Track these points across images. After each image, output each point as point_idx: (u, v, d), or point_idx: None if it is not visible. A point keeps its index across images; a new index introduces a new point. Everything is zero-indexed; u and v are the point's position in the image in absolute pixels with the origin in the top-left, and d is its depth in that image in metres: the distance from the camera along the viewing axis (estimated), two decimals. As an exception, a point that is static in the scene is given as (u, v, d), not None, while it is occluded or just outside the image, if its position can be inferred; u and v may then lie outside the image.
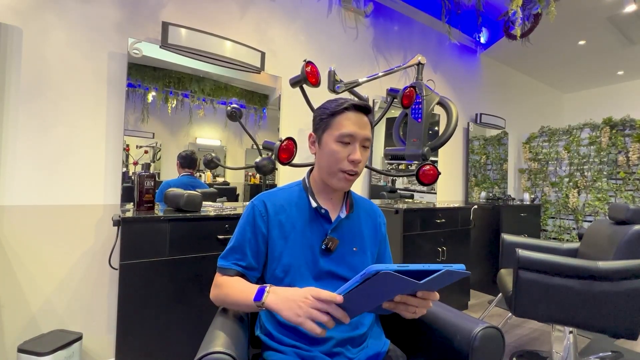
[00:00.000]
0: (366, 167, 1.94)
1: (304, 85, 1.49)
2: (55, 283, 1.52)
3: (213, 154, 1.93)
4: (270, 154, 1.44)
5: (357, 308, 0.64)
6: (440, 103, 1.76)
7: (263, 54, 2.03)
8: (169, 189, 1.53)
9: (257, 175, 2.09)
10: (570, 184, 3.62)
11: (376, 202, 2.48)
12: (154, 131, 1.74)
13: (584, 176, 3.52)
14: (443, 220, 2.37)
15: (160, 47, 1.72)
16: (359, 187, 2.61)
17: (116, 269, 1.31)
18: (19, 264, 1.45)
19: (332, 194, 0.89)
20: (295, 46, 2.29)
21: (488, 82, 3.76)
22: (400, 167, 2.79)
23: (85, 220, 1.59)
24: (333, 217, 0.87)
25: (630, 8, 2.74)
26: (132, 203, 1.62)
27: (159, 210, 1.50)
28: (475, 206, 2.75)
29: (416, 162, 1.90)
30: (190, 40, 1.77)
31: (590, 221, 3.42)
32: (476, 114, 3.55)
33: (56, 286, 1.52)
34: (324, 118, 0.83)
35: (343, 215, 0.87)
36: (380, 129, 2.69)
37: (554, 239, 3.72)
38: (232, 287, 0.78)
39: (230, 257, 0.83)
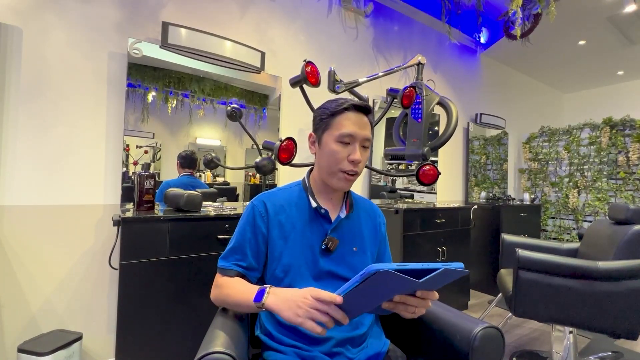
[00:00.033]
0: (366, 167, 1.94)
1: (304, 85, 1.49)
2: (55, 283, 1.52)
3: (213, 154, 1.93)
4: (270, 154, 1.44)
5: (356, 308, 0.64)
6: (440, 103, 1.76)
7: (263, 54, 2.03)
8: (169, 189, 1.53)
9: (257, 175, 2.09)
10: (570, 184, 3.62)
11: (376, 202, 2.48)
12: (154, 131, 1.75)
13: (584, 176, 3.52)
14: (443, 220, 2.37)
15: (160, 47, 1.72)
16: (359, 187, 2.61)
17: (116, 269, 1.31)
18: (19, 264, 1.45)
19: (332, 194, 0.89)
20: (295, 46, 2.29)
21: (488, 82, 3.76)
22: (400, 167, 2.79)
23: (85, 220, 1.59)
24: (333, 217, 0.87)
25: (630, 8, 2.74)
26: (132, 203, 1.62)
27: (159, 210, 1.50)
28: (475, 206, 2.75)
29: (416, 162, 1.90)
30: (190, 40, 1.77)
31: (590, 221, 3.42)
32: (476, 114, 3.55)
33: (56, 286, 1.52)
34: (324, 118, 0.83)
35: (343, 215, 0.87)
36: (380, 129, 2.69)
37: (554, 239, 3.72)
38: (232, 288, 0.78)
39: (231, 257, 0.83)
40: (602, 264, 1.37)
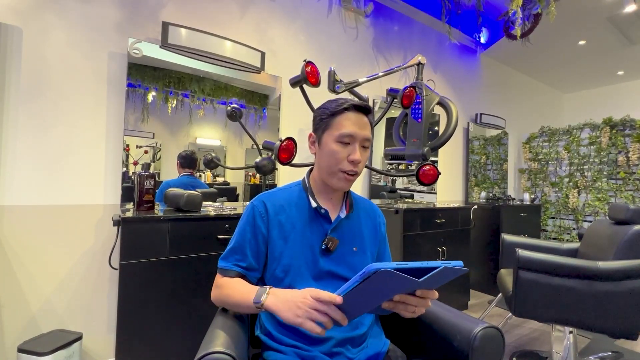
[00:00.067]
0: (366, 167, 1.94)
1: (304, 85, 1.49)
2: (55, 283, 1.52)
3: (213, 154, 1.93)
4: (270, 154, 1.44)
5: (356, 309, 0.64)
6: (440, 103, 1.76)
7: (263, 54, 2.03)
8: (169, 189, 1.53)
9: (257, 175, 2.09)
10: (570, 184, 3.62)
11: (376, 202, 2.48)
12: (154, 131, 1.75)
13: (584, 176, 3.52)
14: (443, 220, 2.37)
15: (160, 47, 1.72)
16: (359, 187, 2.61)
17: (116, 269, 1.31)
18: (19, 264, 1.45)
19: (332, 194, 0.89)
20: (295, 46, 2.29)
21: (488, 82, 3.76)
22: (400, 167, 2.79)
23: (85, 220, 1.59)
24: (333, 217, 0.87)
25: (630, 8, 2.74)
26: (132, 203, 1.62)
27: (159, 210, 1.50)
28: (475, 206, 2.75)
29: (416, 162, 1.90)
30: (190, 40, 1.77)
31: (590, 221, 3.42)
32: (476, 114, 3.55)
33: (56, 286, 1.52)
34: (324, 118, 0.83)
35: (343, 215, 0.87)
36: (380, 129, 2.69)
37: (554, 239, 3.72)
38: (232, 289, 0.78)
39: (231, 258, 0.83)
40: (602, 264, 1.37)
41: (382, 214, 0.99)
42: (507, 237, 2.14)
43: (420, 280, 0.56)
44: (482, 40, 3.45)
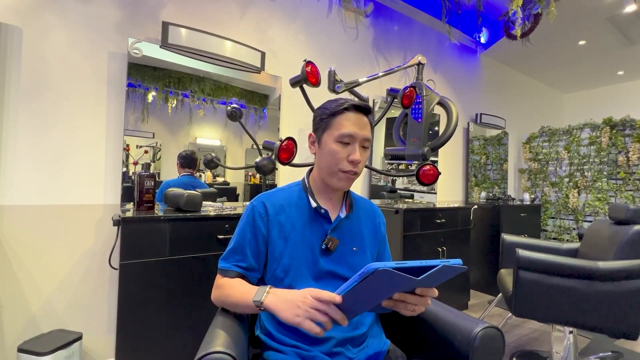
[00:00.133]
0: (366, 167, 1.94)
1: (304, 85, 1.49)
2: (55, 283, 1.52)
3: (213, 154, 1.93)
4: (270, 153, 1.44)
5: (356, 308, 0.64)
6: (440, 103, 1.76)
7: (263, 54, 2.03)
8: (169, 189, 1.53)
9: (257, 175, 2.09)
10: (571, 184, 3.62)
11: (376, 202, 2.48)
12: (154, 131, 1.74)
13: (584, 176, 3.52)
14: (443, 220, 2.37)
15: (160, 47, 1.72)
16: (359, 187, 2.61)
17: (116, 269, 1.31)
18: (19, 264, 1.45)
19: (332, 194, 0.89)
20: (296, 46, 2.29)
21: (488, 82, 3.76)
22: (400, 167, 2.79)
23: (85, 220, 1.59)
24: (333, 217, 0.87)
25: (630, 8, 2.74)
26: (132, 203, 1.62)
27: (159, 210, 1.50)
28: (475, 206, 2.75)
29: (416, 162, 1.90)
30: (191, 40, 1.77)
31: (590, 221, 3.42)
32: (476, 114, 3.55)
33: (56, 286, 1.52)
34: (323, 118, 0.83)
35: (343, 215, 0.87)
36: (380, 129, 2.69)
37: (554, 239, 3.72)
38: (232, 289, 0.78)
39: (231, 258, 0.83)
40: (602, 264, 1.37)
41: (382, 214, 0.99)
42: (507, 237, 2.14)
43: (419, 279, 0.56)
44: (482, 40, 3.45)
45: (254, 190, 2.09)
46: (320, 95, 1.47)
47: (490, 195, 3.55)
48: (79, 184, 1.58)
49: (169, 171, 1.80)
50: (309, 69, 1.43)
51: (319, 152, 0.85)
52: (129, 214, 1.35)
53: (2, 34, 1.42)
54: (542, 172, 3.90)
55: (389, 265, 0.52)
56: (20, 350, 1.30)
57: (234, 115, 1.84)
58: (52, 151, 1.52)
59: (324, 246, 0.82)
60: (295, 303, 0.64)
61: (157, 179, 1.60)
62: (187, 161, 1.84)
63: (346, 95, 1.43)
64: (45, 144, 1.51)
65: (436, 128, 3.04)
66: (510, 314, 2.09)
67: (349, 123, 0.80)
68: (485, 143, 3.64)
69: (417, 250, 2.21)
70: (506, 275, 1.82)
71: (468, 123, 3.48)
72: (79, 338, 1.45)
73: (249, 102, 2.05)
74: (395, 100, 1.70)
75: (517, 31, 2.67)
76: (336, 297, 0.59)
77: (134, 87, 1.68)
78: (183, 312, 1.37)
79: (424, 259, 2.24)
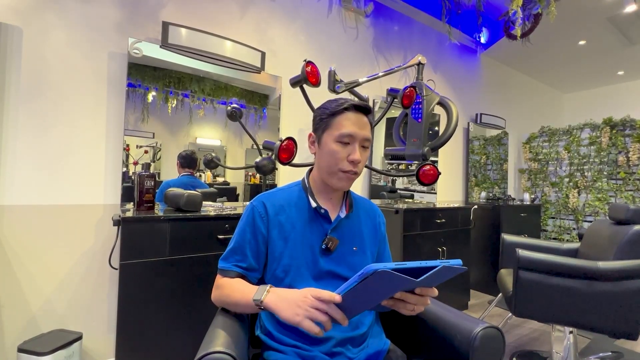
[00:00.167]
0: (366, 167, 1.94)
1: (304, 85, 1.49)
2: (55, 283, 1.52)
3: (213, 154, 1.93)
4: (270, 153, 1.44)
5: (356, 307, 0.64)
6: (440, 103, 1.76)
7: (263, 54, 2.03)
8: (169, 189, 1.53)
9: (257, 175, 2.09)
10: (571, 184, 3.62)
11: (376, 202, 2.48)
12: (154, 131, 1.74)
13: (584, 176, 3.52)
14: (443, 220, 2.37)
15: (160, 47, 1.72)
16: (359, 187, 2.61)
17: (116, 269, 1.31)
18: (19, 264, 1.45)
19: (332, 194, 0.89)
20: (296, 46, 2.29)
21: (488, 82, 3.76)
22: (400, 167, 2.79)
23: (85, 220, 1.59)
24: (333, 217, 0.87)
25: (631, 8, 2.74)
26: (132, 203, 1.62)
27: (159, 210, 1.50)
28: (476, 206, 2.75)
29: (416, 162, 1.90)
30: (191, 40, 1.77)
31: (591, 221, 3.42)
32: (476, 114, 3.55)
33: (56, 286, 1.52)
34: (323, 118, 0.83)
35: (343, 215, 0.87)
36: (380, 129, 2.69)
37: (554, 239, 3.72)
38: (232, 289, 0.78)
39: (231, 258, 0.83)
40: (602, 264, 1.37)
41: (382, 214, 0.99)
42: (507, 237, 2.14)
43: (419, 280, 0.56)
44: (482, 40, 3.45)
45: (254, 190, 2.09)
46: (320, 95, 1.47)
47: (490, 195, 3.55)
48: (79, 184, 1.58)
49: (169, 171, 1.80)
50: (309, 69, 1.43)
51: (319, 152, 0.85)
52: (129, 214, 1.35)
53: (2, 34, 1.42)
54: (542, 172, 3.90)
55: (388, 267, 0.52)
56: (20, 350, 1.30)
57: (234, 115, 1.84)
58: (52, 151, 1.52)
59: (324, 246, 0.82)
60: (295, 302, 0.64)
61: (157, 179, 1.60)
62: (187, 161, 1.84)
63: (346, 95, 1.43)
64: (45, 144, 1.51)
65: (436, 128, 3.04)
66: (510, 314, 2.09)
67: (349, 123, 0.80)
68: (485, 143, 3.64)
69: (417, 250, 2.21)
70: (506, 275, 1.82)
71: (468, 123, 3.48)
72: (79, 338, 1.45)
73: (249, 102, 2.05)
74: (395, 100, 1.70)
75: (517, 31, 2.67)
76: (336, 297, 0.59)
77: (134, 87, 1.68)
78: (183, 312, 1.37)
79: (424, 258, 2.23)
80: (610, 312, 1.35)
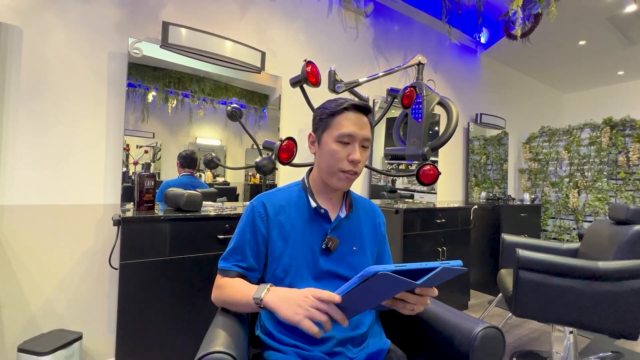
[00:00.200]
0: (366, 167, 1.94)
1: (304, 85, 1.49)
2: (55, 283, 1.52)
3: (213, 154, 1.93)
4: (270, 153, 1.44)
5: (356, 308, 0.64)
6: (440, 103, 1.76)
7: (263, 54, 2.03)
8: (169, 189, 1.53)
9: (257, 175, 2.09)
10: (571, 184, 3.62)
11: (376, 202, 2.48)
12: (154, 131, 1.74)
13: (584, 176, 3.52)
14: (443, 220, 2.37)
15: (160, 47, 1.72)
16: (359, 187, 2.61)
17: (116, 269, 1.31)
18: (19, 264, 1.45)
19: (332, 194, 0.89)
20: (296, 46, 2.29)
21: (488, 82, 3.76)
22: (400, 167, 2.79)
23: (85, 220, 1.59)
24: (333, 216, 0.87)
25: (631, 8, 2.74)
26: (132, 203, 1.62)
27: (159, 210, 1.50)
28: (476, 206, 2.75)
29: (416, 162, 1.90)
30: (191, 40, 1.77)
31: (591, 221, 3.42)
32: (476, 114, 3.55)
33: (56, 286, 1.52)
34: (323, 118, 0.83)
35: (343, 214, 0.87)
36: (381, 129, 2.69)
37: (554, 239, 3.72)
38: (232, 288, 0.78)
39: (231, 258, 0.83)
40: (603, 264, 1.37)
41: (382, 214, 0.99)
42: (507, 237, 2.14)
43: (419, 282, 0.56)
44: (482, 40, 3.45)
45: (254, 190, 2.09)
46: (321, 95, 1.47)
47: (491, 195, 3.55)
48: (79, 184, 1.58)
49: (169, 171, 1.80)
50: (309, 69, 1.43)
51: (319, 152, 0.85)
52: (129, 214, 1.35)
53: (2, 34, 1.42)
54: (542, 172, 3.90)
55: (388, 269, 0.52)
56: (20, 350, 1.30)
57: (234, 115, 1.84)
58: (52, 151, 1.52)
59: (324, 246, 0.82)
60: (295, 301, 0.64)
61: (157, 179, 1.60)
62: (187, 161, 1.84)
63: (346, 95, 1.43)
64: (45, 144, 1.51)
65: (436, 128, 3.03)
66: (510, 314, 2.09)
67: (349, 123, 0.80)
68: (485, 143, 3.64)
69: (417, 250, 2.21)
70: (506, 275, 1.82)
71: (468, 123, 3.48)
72: (79, 338, 1.45)
73: (249, 102, 2.05)
74: (395, 100, 1.70)
75: (517, 31, 2.67)
76: (335, 297, 0.59)
77: (134, 87, 1.68)
78: (183, 312, 1.37)
79: (424, 258, 2.23)
80: (610, 312, 1.35)
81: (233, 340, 0.68)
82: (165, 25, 1.70)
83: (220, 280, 0.83)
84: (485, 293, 3.03)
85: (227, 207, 1.73)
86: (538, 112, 4.51)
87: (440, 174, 1.48)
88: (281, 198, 0.87)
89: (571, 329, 1.64)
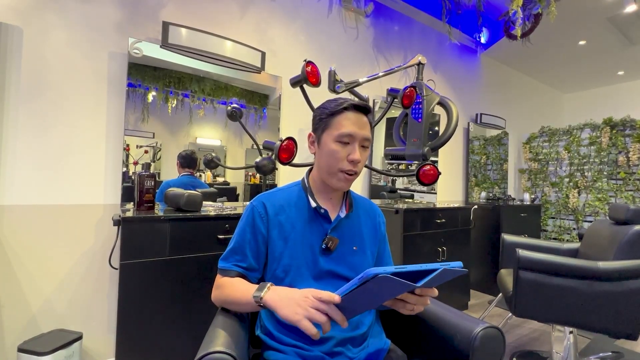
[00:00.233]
0: (366, 167, 1.94)
1: (304, 85, 1.49)
2: (55, 283, 1.52)
3: (213, 154, 1.93)
4: (270, 153, 1.44)
5: (356, 309, 0.64)
6: (440, 103, 1.76)
7: (263, 54, 2.03)
8: (169, 189, 1.53)
9: (257, 175, 2.09)
10: (571, 184, 3.62)
11: (376, 202, 2.48)
12: (154, 131, 1.74)
13: (584, 176, 3.52)
14: (443, 220, 2.37)
15: (160, 46, 1.72)
16: (359, 187, 2.61)
17: (116, 269, 1.31)
18: (19, 264, 1.45)
19: (332, 194, 0.89)
20: (296, 46, 2.29)
21: (488, 82, 3.76)
22: (400, 167, 2.79)
23: (85, 220, 1.59)
24: (333, 216, 0.87)
25: (631, 8, 2.74)
26: (132, 203, 1.62)
27: (159, 210, 1.50)
28: (476, 206, 2.75)
29: (416, 162, 1.90)
30: (191, 40, 1.77)
31: (591, 221, 3.42)
32: (476, 114, 3.55)
33: (56, 286, 1.52)
34: (323, 118, 0.83)
35: (343, 214, 0.87)
36: (381, 129, 2.69)
37: (554, 239, 3.72)
38: (232, 288, 0.78)
39: (231, 258, 0.83)
40: (603, 264, 1.37)
41: (382, 214, 0.99)
42: (507, 237, 2.14)
43: (419, 284, 0.56)
44: (483, 40, 3.45)
45: (254, 190, 2.09)
46: (321, 95, 1.47)
47: (491, 195, 3.55)
48: (79, 184, 1.58)
49: (169, 171, 1.80)
50: (309, 68, 1.43)
51: (319, 152, 0.85)
52: (129, 214, 1.35)
53: (2, 34, 1.42)
54: (542, 172, 3.90)
55: (388, 271, 0.52)
56: (20, 350, 1.30)
57: (234, 115, 1.84)
58: (52, 151, 1.52)
59: (324, 246, 0.82)
60: (295, 301, 0.64)
61: (157, 179, 1.60)
62: (187, 161, 1.84)
63: (346, 95, 1.43)
64: (45, 144, 1.51)
65: (436, 128, 3.03)
66: (510, 314, 2.09)
67: (349, 123, 0.80)
68: (485, 143, 3.64)
69: (417, 250, 2.21)
70: (506, 275, 1.82)
71: (468, 123, 3.48)
72: (79, 338, 1.45)
73: (249, 102, 2.05)
74: (395, 100, 1.70)
75: (517, 31, 2.67)
76: (335, 297, 0.59)
77: (134, 87, 1.68)
78: (183, 312, 1.37)
79: (424, 258, 2.23)
80: (610, 312, 1.35)
81: (233, 340, 0.68)
82: (165, 25, 1.70)
83: (220, 280, 0.83)
84: (485, 293, 3.03)
85: (227, 207, 1.73)
86: (538, 112, 4.51)
87: (440, 174, 1.48)
88: (281, 198, 0.87)
89: (571, 329, 1.64)
